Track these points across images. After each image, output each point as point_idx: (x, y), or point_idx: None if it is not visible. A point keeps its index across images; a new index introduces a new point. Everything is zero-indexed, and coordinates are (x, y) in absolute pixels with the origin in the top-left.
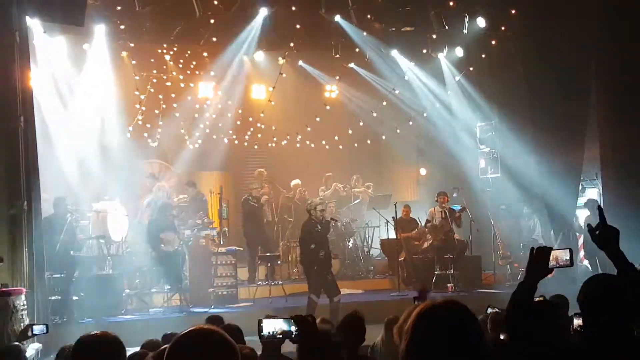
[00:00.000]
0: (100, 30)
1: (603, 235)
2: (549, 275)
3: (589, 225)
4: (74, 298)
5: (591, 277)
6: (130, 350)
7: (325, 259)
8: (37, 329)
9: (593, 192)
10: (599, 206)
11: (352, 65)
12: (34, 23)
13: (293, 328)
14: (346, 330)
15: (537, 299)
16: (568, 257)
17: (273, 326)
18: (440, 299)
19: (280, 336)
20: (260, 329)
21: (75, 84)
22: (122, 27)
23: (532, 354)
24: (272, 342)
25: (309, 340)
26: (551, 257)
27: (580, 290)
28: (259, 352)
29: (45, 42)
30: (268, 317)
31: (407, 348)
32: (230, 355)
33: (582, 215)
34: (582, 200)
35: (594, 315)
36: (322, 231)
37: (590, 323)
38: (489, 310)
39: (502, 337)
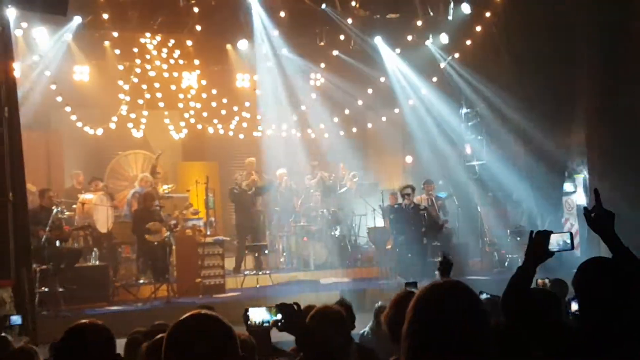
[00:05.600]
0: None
1: (599, 219)
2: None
3: (584, 209)
4: (60, 290)
5: (586, 260)
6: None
7: (407, 242)
8: (14, 319)
9: (579, 178)
10: (595, 189)
11: (336, 52)
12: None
13: (279, 316)
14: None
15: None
16: (569, 241)
17: (259, 315)
18: (441, 280)
19: (267, 324)
20: (246, 318)
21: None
22: (105, 16)
23: (530, 336)
24: (259, 331)
25: (295, 329)
26: (551, 241)
27: (575, 274)
28: None
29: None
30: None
31: (409, 328)
32: (230, 339)
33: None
34: (567, 187)
35: (590, 300)
36: (406, 216)
37: (587, 307)
38: (481, 296)
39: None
